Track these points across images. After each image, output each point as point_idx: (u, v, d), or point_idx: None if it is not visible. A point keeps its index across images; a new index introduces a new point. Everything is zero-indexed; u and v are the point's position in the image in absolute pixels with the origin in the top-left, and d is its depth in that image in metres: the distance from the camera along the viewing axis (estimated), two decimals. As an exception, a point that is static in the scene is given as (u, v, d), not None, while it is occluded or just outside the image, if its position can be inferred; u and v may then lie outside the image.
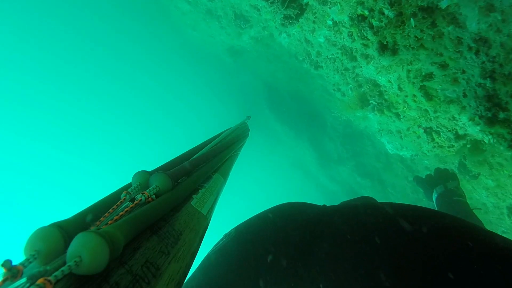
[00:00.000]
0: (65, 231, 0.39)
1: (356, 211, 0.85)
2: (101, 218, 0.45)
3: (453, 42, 1.38)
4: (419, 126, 2.16)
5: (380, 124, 2.66)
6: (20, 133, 14.57)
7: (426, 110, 1.95)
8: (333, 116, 4.36)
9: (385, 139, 2.77)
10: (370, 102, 2.52)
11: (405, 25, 1.51)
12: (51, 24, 10.91)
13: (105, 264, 0.34)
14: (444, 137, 1.98)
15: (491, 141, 1.42)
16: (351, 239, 0.74)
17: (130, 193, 0.53)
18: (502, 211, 2.19)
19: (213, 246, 0.89)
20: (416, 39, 1.53)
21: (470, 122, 1.54)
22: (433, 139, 2.10)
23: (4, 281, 0.31)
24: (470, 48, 1.30)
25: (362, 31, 1.79)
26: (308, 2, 2.39)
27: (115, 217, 0.43)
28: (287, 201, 1.02)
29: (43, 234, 0.37)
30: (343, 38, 2.24)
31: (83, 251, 0.32)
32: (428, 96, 1.75)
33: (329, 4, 2.11)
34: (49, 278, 0.29)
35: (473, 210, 1.73)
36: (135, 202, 0.49)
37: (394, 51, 1.68)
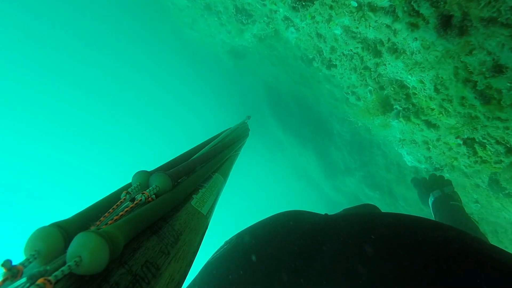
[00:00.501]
0: (65, 231, 0.39)
1: (358, 222, 0.84)
2: (101, 218, 0.45)
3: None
4: (457, 137, 1.77)
5: (403, 134, 2.28)
6: (20, 133, 14.57)
7: (476, 117, 1.56)
8: (340, 124, 4.12)
9: (405, 150, 2.44)
10: (394, 107, 2.13)
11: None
12: (50, 24, 10.92)
13: (105, 264, 0.34)
14: (491, 151, 1.62)
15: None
16: (354, 251, 0.73)
17: (130, 193, 0.53)
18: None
19: (214, 252, 0.89)
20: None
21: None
22: (475, 153, 1.74)
23: (4, 281, 0.31)
24: None
25: (412, 2, 1.37)
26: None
27: (115, 217, 0.43)
28: (288, 209, 1.02)
29: (43, 234, 0.37)
30: (368, 26, 1.82)
31: (83, 251, 0.32)
32: (486, 99, 1.38)
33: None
34: (49, 278, 0.29)
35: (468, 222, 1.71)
36: (135, 202, 0.49)
37: (463, 31, 1.22)
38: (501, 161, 1.64)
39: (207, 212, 0.67)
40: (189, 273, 0.53)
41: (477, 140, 1.70)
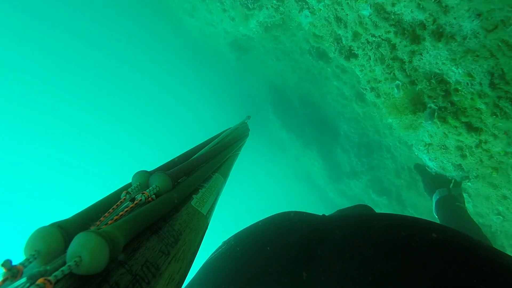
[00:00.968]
0: (65, 231, 0.39)
1: (356, 223, 0.84)
2: (101, 218, 0.45)
3: None
4: (511, 143, 1.49)
5: (432, 137, 1.96)
6: (20, 133, 14.58)
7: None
8: (348, 124, 3.91)
9: (429, 156, 2.15)
10: (428, 105, 1.79)
11: None
12: (48, 23, 10.92)
13: (105, 264, 0.34)
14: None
15: None
16: (352, 252, 0.74)
17: (130, 193, 0.53)
18: None
19: (212, 253, 0.89)
20: None
21: None
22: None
23: (4, 281, 0.31)
24: None
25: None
26: None
27: (115, 217, 0.43)
28: (288, 210, 1.02)
29: (43, 234, 0.37)
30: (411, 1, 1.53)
31: (83, 251, 0.32)
32: None
33: None
34: (49, 278, 0.29)
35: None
36: (135, 202, 0.49)
37: None
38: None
39: (207, 212, 0.68)
40: (188, 273, 0.53)
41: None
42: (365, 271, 0.67)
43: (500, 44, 1.21)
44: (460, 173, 1.96)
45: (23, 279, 0.31)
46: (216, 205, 0.78)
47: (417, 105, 1.89)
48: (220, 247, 0.89)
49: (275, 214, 0.99)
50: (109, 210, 0.46)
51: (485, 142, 1.62)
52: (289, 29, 3.62)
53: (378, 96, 2.29)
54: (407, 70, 1.83)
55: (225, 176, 0.92)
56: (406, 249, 0.67)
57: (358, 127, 3.83)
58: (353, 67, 2.40)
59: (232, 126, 1.53)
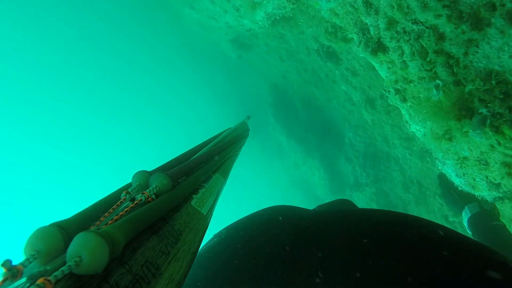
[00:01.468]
0: (65, 231, 0.39)
1: (344, 218, 0.86)
2: (101, 218, 0.45)
3: None
4: None
5: (472, 150, 1.66)
6: (20, 133, 14.59)
7: None
8: (354, 132, 3.67)
9: (458, 171, 1.84)
10: (479, 110, 1.47)
11: None
12: (48, 22, 10.92)
13: (105, 264, 0.34)
14: None
15: None
16: (345, 246, 0.74)
17: (130, 193, 0.53)
18: None
19: (203, 245, 0.90)
20: None
21: None
22: None
23: (4, 281, 0.31)
24: None
25: None
26: None
27: (115, 217, 0.44)
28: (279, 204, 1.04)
29: (43, 234, 0.37)
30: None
31: (83, 251, 0.32)
32: None
33: None
34: (49, 278, 0.29)
35: None
36: (135, 202, 0.49)
37: None
38: None
39: (207, 212, 0.68)
40: (188, 273, 0.53)
41: None
42: (360, 264, 0.68)
43: None
44: (495, 193, 1.69)
45: (23, 279, 0.31)
46: (216, 205, 0.78)
47: (462, 110, 1.51)
48: (211, 240, 0.90)
49: (266, 208, 1.01)
50: (109, 210, 0.46)
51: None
52: (298, 25, 3.36)
53: (403, 99, 1.94)
54: (454, 67, 1.47)
55: (225, 176, 0.92)
56: (400, 245, 0.68)
57: (365, 136, 3.60)
58: (378, 64, 2.04)
59: (232, 126, 1.53)
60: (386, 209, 3.59)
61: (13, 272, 0.31)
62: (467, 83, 1.48)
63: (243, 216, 1.01)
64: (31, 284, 0.30)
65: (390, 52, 1.86)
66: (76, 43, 12.02)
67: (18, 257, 0.37)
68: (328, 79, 3.54)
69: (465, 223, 1.77)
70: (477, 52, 1.34)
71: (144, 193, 0.51)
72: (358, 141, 3.77)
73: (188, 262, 0.51)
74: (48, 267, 0.33)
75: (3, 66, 11.97)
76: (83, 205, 0.50)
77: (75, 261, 0.31)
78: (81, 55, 12.51)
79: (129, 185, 0.59)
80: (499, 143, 1.45)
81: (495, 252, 0.63)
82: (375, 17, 1.83)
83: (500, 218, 1.71)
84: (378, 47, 1.95)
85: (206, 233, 0.68)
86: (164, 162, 0.72)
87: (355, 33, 2.13)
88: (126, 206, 0.48)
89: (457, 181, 1.97)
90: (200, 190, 0.71)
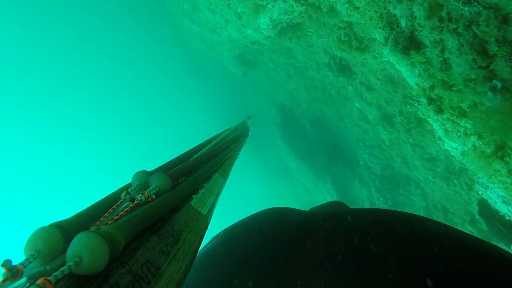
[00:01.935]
0: (65, 231, 0.39)
1: (339, 220, 0.87)
2: (101, 218, 0.45)
3: None
4: None
5: None
6: (20, 133, 14.59)
7: None
8: (369, 153, 3.38)
9: (507, 198, 1.57)
10: None
11: None
12: (50, 23, 10.93)
13: (105, 264, 0.34)
14: None
15: None
16: (341, 245, 0.75)
17: (130, 193, 0.53)
18: None
19: (201, 248, 0.90)
20: None
21: None
22: None
23: (4, 281, 0.31)
24: None
25: None
26: None
27: (115, 217, 0.43)
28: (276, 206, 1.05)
29: (43, 234, 0.37)
30: None
31: (83, 251, 0.32)
32: None
33: None
34: (49, 278, 0.29)
35: None
36: (135, 202, 0.49)
37: None
38: None
39: (207, 212, 0.67)
40: (188, 273, 0.53)
41: None
42: (353, 259, 0.69)
43: None
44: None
45: (23, 279, 0.31)
46: (216, 205, 0.78)
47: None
48: (209, 242, 0.91)
49: (262, 210, 1.01)
50: (109, 210, 0.46)
51: None
52: (307, 36, 3.07)
53: (439, 111, 1.56)
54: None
55: (225, 176, 0.92)
56: (394, 240, 0.69)
57: (382, 157, 3.31)
58: (407, 67, 1.66)
59: (232, 126, 1.53)
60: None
61: (13, 272, 0.31)
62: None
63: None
64: (31, 284, 0.30)
65: (427, 49, 1.47)
66: (79, 47, 12.06)
67: (18, 257, 0.37)
68: (340, 96, 3.27)
69: None
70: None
71: (144, 193, 0.51)
72: (374, 163, 3.46)
73: (188, 262, 0.51)
74: (48, 267, 0.33)
75: (4, 66, 11.97)
76: (83, 205, 0.50)
77: (75, 261, 0.31)
78: (84, 56, 12.53)
79: (129, 185, 0.58)
80: None
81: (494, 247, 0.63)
82: (408, 3, 1.42)
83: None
84: (411, 44, 1.54)
85: (206, 233, 0.68)
86: (164, 162, 0.72)
87: (380, 27, 1.70)
88: (126, 206, 0.48)
89: (504, 209, 1.60)
90: (200, 190, 0.71)
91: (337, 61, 2.91)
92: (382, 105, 2.94)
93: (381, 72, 2.73)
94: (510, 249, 1.65)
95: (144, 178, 0.57)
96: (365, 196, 3.80)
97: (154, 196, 0.53)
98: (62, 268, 0.31)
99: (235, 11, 3.35)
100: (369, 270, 0.65)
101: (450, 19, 1.28)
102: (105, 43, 11.70)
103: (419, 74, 1.62)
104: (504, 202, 1.58)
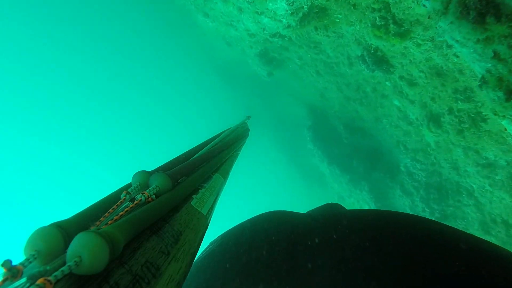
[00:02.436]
0: (65, 231, 0.39)
1: (337, 220, 0.87)
2: (101, 218, 0.45)
3: None
4: None
5: None
6: (20, 133, 14.59)
7: None
8: (412, 158, 2.96)
9: None
10: None
11: None
12: (55, 22, 10.93)
13: (105, 264, 0.34)
14: None
15: None
16: (342, 247, 0.76)
17: (130, 193, 0.53)
18: None
19: (200, 253, 0.91)
20: None
21: None
22: None
23: (4, 281, 0.31)
24: None
25: None
26: None
27: (115, 217, 0.44)
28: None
29: (43, 234, 0.37)
30: None
31: (83, 251, 0.32)
32: None
33: None
34: (49, 278, 0.29)
35: None
36: (135, 202, 0.49)
37: None
38: None
39: (207, 212, 0.68)
40: (188, 273, 0.53)
41: None
42: (357, 262, 0.69)
43: None
44: None
45: (23, 279, 0.31)
46: (216, 205, 0.78)
47: None
48: (207, 247, 0.91)
49: (261, 213, 1.02)
50: (109, 210, 0.47)
51: None
52: (335, 24, 2.55)
53: None
54: None
55: (225, 176, 0.92)
56: (397, 244, 0.69)
57: (427, 162, 2.95)
58: (474, 47, 1.14)
59: (232, 126, 1.53)
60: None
61: (13, 272, 0.31)
62: None
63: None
64: (31, 284, 0.30)
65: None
66: (79, 42, 12.01)
67: (18, 257, 0.37)
68: (376, 94, 2.90)
69: None
70: None
71: (144, 193, 0.51)
72: (417, 169, 3.07)
73: (188, 262, 0.51)
74: (48, 267, 0.33)
75: (4, 64, 11.97)
76: (83, 205, 0.50)
77: (75, 261, 0.31)
78: (85, 56, 12.51)
79: (129, 185, 0.59)
80: None
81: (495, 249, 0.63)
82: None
83: None
84: (488, 8, 0.99)
85: (206, 233, 0.68)
86: (164, 162, 0.73)
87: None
88: (126, 206, 0.48)
89: None
90: (200, 190, 0.71)
91: (372, 52, 2.47)
92: (427, 102, 2.53)
93: (425, 63, 2.31)
94: None
95: (144, 178, 0.57)
96: (408, 207, 3.41)
97: (154, 196, 0.53)
98: (62, 268, 0.31)
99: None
100: (368, 271, 0.66)
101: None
102: (112, 40, 11.65)
103: (495, 56, 1.10)
104: None
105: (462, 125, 2.39)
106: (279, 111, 5.69)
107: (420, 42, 2.20)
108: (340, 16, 2.53)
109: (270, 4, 2.63)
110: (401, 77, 2.56)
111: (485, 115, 2.11)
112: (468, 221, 2.78)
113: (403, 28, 2.14)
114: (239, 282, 0.75)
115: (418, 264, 0.60)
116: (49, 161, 15.73)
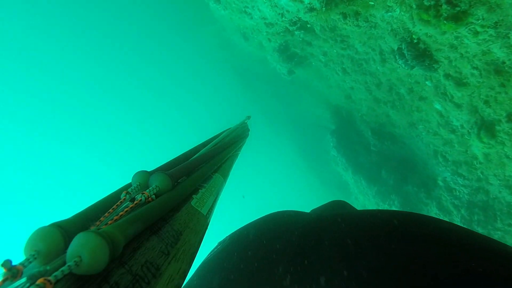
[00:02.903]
0: (65, 231, 0.39)
1: (334, 220, 0.87)
2: (101, 218, 0.45)
3: None
4: None
5: None
6: (21, 132, 14.59)
7: None
8: (452, 171, 2.58)
9: None
10: None
11: None
12: (60, 21, 10.91)
13: (105, 264, 0.34)
14: None
15: None
16: (351, 249, 0.75)
17: (130, 193, 0.53)
18: None
19: (208, 252, 0.90)
20: None
21: None
22: None
23: (4, 281, 0.31)
24: None
25: None
26: None
27: (115, 217, 0.44)
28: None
29: (43, 234, 0.37)
30: None
31: (83, 251, 0.32)
32: None
33: None
34: (49, 278, 0.29)
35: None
36: (135, 202, 0.49)
37: None
38: None
39: (207, 212, 0.68)
40: (188, 273, 0.53)
41: None
42: (367, 265, 0.69)
43: None
44: None
45: (23, 279, 0.31)
46: (216, 205, 0.78)
47: None
48: (215, 247, 0.91)
49: (267, 214, 1.02)
50: (109, 210, 0.47)
51: None
52: (368, 8, 2.13)
53: None
54: None
55: (225, 176, 0.92)
56: (400, 241, 0.69)
57: (472, 177, 2.54)
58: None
59: (232, 126, 1.53)
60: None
61: (13, 272, 0.31)
62: None
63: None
64: (31, 284, 0.30)
65: None
66: (82, 43, 11.98)
67: (18, 257, 0.37)
68: (413, 96, 2.50)
69: None
70: None
71: (144, 193, 0.51)
72: (459, 184, 2.67)
73: (188, 262, 0.51)
74: (48, 267, 0.33)
75: (5, 63, 11.96)
76: (83, 205, 0.50)
77: (75, 261, 0.31)
78: (86, 56, 12.49)
79: (129, 185, 0.59)
80: None
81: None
82: None
83: None
84: None
85: (206, 233, 0.68)
86: (164, 162, 0.73)
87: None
88: (126, 206, 0.48)
89: None
90: (200, 190, 0.71)
91: (414, 43, 1.99)
92: (479, 106, 2.09)
93: (481, 58, 1.87)
94: None
95: (144, 178, 0.57)
96: (448, 226, 3.12)
97: (154, 196, 0.53)
98: (62, 268, 0.31)
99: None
100: (372, 271, 0.65)
101: None
102: (117, 38, 11.60)
103: None
104: None
105: (525, 135, 1.96)
106: (300, 112, 5.30)
107: (479, 29, 1.72)
108: (374, -1, 2.05)
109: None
110: (446, 76, 2.11)
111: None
112: (521, 246, 2.49)
113: (460, 9, 1.64)
114: (247, 282, 0.75)
115: (428, 263, 0.60)
116: (49, 161, 15.74)
